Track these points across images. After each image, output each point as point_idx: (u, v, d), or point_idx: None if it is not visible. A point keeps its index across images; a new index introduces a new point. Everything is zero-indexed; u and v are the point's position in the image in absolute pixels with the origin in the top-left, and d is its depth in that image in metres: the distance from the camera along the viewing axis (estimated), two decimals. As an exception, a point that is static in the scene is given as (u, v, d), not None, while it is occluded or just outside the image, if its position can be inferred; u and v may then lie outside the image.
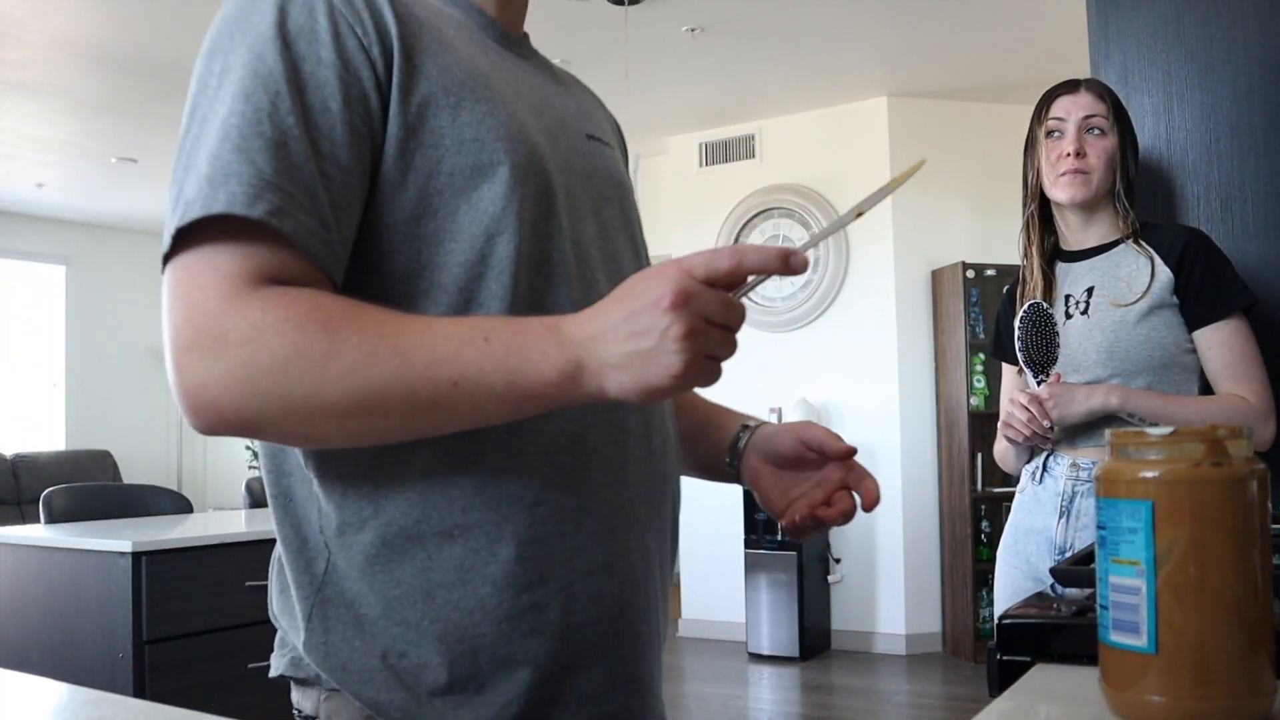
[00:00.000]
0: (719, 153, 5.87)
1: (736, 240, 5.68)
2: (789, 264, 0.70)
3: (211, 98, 0.75)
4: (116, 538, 2.29)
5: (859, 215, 0.76)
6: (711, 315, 0.70)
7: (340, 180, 0.76)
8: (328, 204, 0.75)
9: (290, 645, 0.87)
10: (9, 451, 7.07)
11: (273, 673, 0.89)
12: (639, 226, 1.00)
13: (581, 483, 0.84)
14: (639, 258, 0.97)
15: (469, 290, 0.80)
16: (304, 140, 0.74)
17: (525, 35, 1.00)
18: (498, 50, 0.91)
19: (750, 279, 0.72)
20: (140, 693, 2.19)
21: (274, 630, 0.91)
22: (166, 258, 0.73)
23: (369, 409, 0.72)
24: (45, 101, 5.04)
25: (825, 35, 4.52)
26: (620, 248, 0.94)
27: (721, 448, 1.05)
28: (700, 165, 5.92)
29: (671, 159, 6.04)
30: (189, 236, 0.72)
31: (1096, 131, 1.70)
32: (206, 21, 0.83)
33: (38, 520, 2.83)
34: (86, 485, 3.24)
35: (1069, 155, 1.69)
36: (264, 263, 0.72)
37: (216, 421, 0.72)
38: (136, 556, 2.23)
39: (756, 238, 5.67)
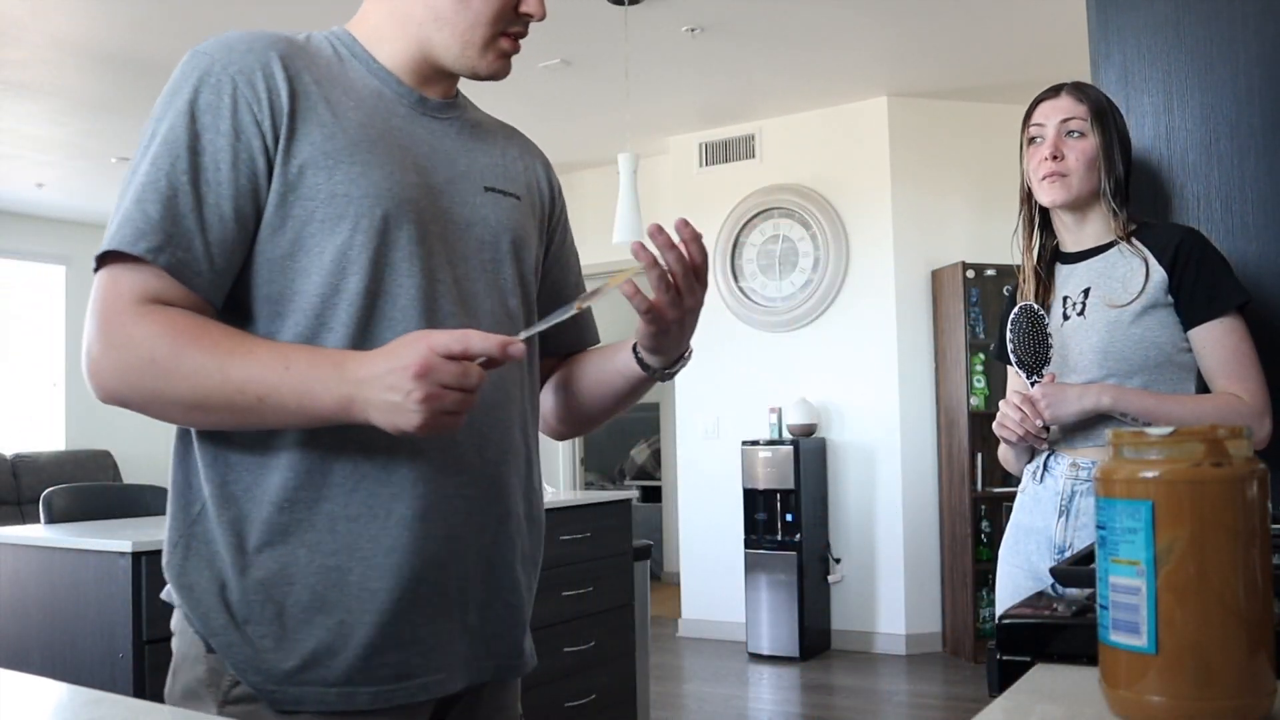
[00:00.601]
0: (719, 153, 5.87)
1: (736, 241, 5.69)
2: (507, 353, 0.93)
3: (141, 155, 1.00)
4: (116, 538, 2.29)
5: (579, 309, 1.00)
6: (448, 382, 0.91)
7: (219, 225, 0.99)
8: (204, 244, 0.98)
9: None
10: (9, 451, 7.07)
11: (162, 595, 1.11)
12: (512, 268, 1.16)
13: (398, 476, 1.02)
14: (503, 295, 1.14)
15: (322, 314, 1.02)
16: (191, 195, 0.98)
17: (451, 99, 1.17)
18: (406, 115, 1.11)
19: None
20: (140, 693, 2.18)
21: None
22: (97, 267, 0.98)
23: (200, 407, 0.98)
24: (45, 101, 5.04)
25: (825, 35, 4.52)
26: (480, 288, 1.12)
27: (627, 362, 1.20)
28: (700, 165, 5.92)
29: (671, 159, 6.04)
30: (110, 258, 0.97)
31: (1076, 134, 1.71)
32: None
33: (38, 520, 2.83)
34: (86, 485, 3.24)
35: (1047, 159, 1.71)
36: (150, 286, 0.97)
37: (102, 395, 0.98)
38: (136, 556, 2.23)
39: (756, 238, 5.67)
